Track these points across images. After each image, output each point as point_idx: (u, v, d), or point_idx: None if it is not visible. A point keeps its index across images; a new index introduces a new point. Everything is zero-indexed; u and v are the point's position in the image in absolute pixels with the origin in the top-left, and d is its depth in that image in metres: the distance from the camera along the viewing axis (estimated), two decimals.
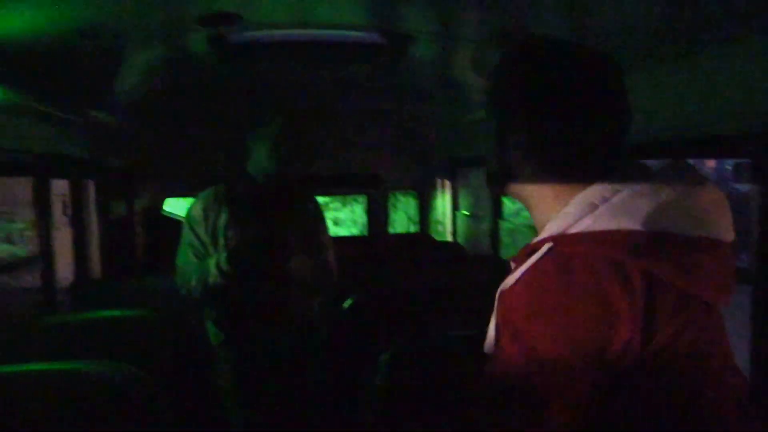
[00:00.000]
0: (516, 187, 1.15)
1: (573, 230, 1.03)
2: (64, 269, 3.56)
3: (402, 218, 11.77)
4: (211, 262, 2.32)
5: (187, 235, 2.45)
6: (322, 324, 2.55)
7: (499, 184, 1.17)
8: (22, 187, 7.83)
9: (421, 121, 4.76)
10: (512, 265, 1.14)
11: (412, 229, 8.26)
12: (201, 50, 2.53)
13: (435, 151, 5.15)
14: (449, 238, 5.18)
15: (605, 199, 1.02)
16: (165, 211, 5.16)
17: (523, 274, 1.04)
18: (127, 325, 2.21)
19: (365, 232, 5.83)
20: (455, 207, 5.11)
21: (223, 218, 2.41)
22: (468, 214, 5.03)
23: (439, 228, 5.42)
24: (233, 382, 2.44)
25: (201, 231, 2.42)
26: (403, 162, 5.26)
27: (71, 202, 3.64)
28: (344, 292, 2.56)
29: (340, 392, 2.32)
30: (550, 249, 1.03)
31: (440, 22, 2.37)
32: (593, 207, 1.02)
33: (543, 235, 1.08)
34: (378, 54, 2.77)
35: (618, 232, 0.99)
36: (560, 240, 1.03)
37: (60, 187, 3.68)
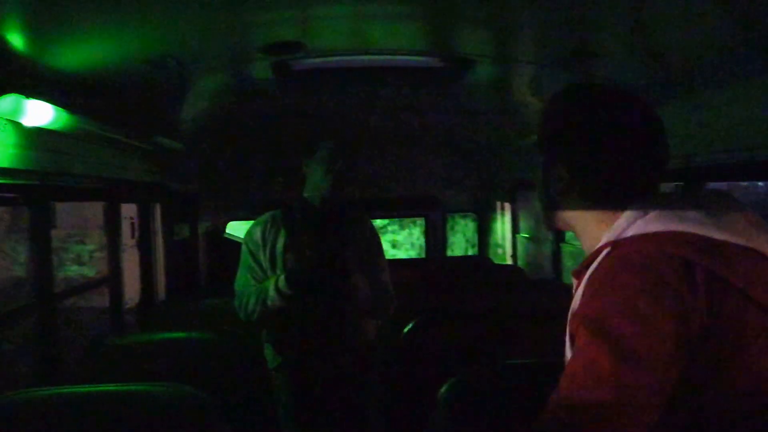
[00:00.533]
0: (563, 216, 1.24)
1: (627, 234, 1.08)
2: (131, 290, 3.67)
3: (460, 241, 11.70)
4: (270, 285, 2.34)
5: (245, 258, 2.49)
6: (380, 347, 2.54)
7: (546, 215, 1.28)
8: (92, 211, 8.17)
9: (481, 144, 4.74)
10: (574, 281, 1.19)
11: (471, 252, 8.18)
12: (263, 77, 2.59)
13: (494, 173, 5.11)
14: (509, 261, 5.10)
15: (653, 208, 1.08)
16: (227, 234, 5.27)
17: (589, 280, 1.08)
18: (190, 347, 2.24)
19: (423, 255, 5.81)
20: (515, 230, 5.05)
21: (281, 242, 2.44)
22: (528, 236, 4.96)
23: (499, 251, 5.35)
24: (290, 407, 2.45)
25: (260, 254, 2.46)
26: (461, 184, 5.23)
27: (139, 226, 3.76)
28: (405, 316, 2.54)
29: (399, 419, 2.30)
30: (608, 254, 1.08)
31: (499, 44, 2.36)
32: (642, 214, 1.08)
33: (598, 246, 1.13)
34: (437, 78, 2.77)
35: (672, 232, 1.03)
36: (616, 244, 1.08)
37: (128, 210, 3.81)
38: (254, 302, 2.37)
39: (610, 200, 1.14)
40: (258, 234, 2.48)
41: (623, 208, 1.11)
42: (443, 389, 1.58)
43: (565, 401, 1.01)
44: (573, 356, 1.05)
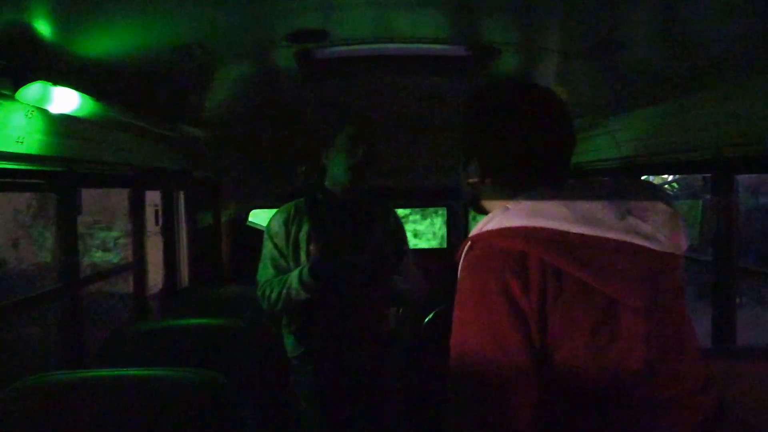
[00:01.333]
0: (483, 205, 1.36)
1: (485, 228, 1.19)
2: (154, 277, 3.71)
3: None
4: (293, 276, 2.33)
5: (267, 248, 2.48)
6: (404, 337, 2.53)
7: (470, 203, 1.41)
8: (117, 198, 8.26)
9: None
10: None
11: None
12: (288, 66, 2.58)
13: None
14: None
15: (517, 204, 1.18)
16: (250, 222, 5.30)
17: (459, 271, 1.21)
18: (213, 333, 2.26)
19: (444, 245, 5.79)
20: None
21: (303, 232, 2.43)
22: None
23: None
24: (310, 396, 2.45)
25: (281, 244, 2.45)
26: None
27: (162, 213, 3.80)
28: (426, 306, 2.54)
29: (419, 407, 2.30)
30: (470, 246, 1.21)
31: (524, 32, 2.33)
32: (504, 210, 1.19)
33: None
34: (461, 66, 2.75)
35: (516, 227, 1.14)
36: (475, 239, 1.21)
37: (152, 198, 3.84)
38: (277, 293, 2.36)
39: (513, 190, 1.24)
40: (280, 224, 2.47)
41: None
42: None
43: (452, 373, 1.18)
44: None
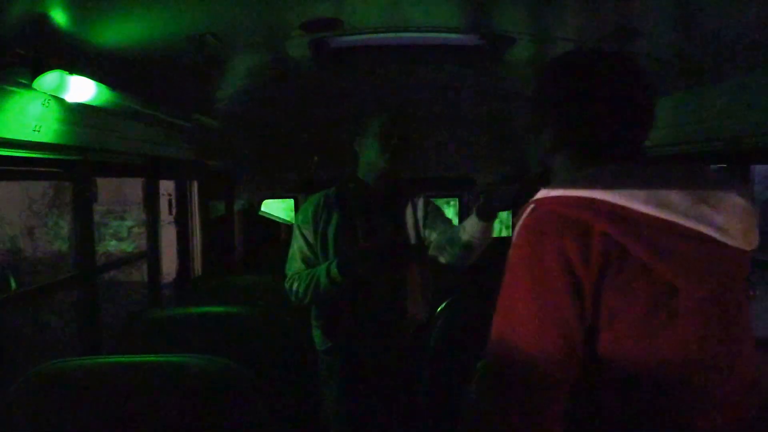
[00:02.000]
0: (552, 174, 1.32)
1: (551, 194, 1.15)
2: (168, 266, 3.73)
3: (494, 222, 11.60)
4: (321, 271, 2.28)
5: (296, 240, 2.42)
6: (434, 332, 2.47)
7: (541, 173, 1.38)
8: (131, 188, 8.32)
9: (516, 124, 4.68)
10: None
11: (504, 233, 8.11)
12: (301, 55, 2.58)
13: (530, 154, 5.05)
14: None
15: (586, 175, 1.14)
16: (263, 211, 5.32)
17: (515, 232, 1.18)
18: (226, 321, 2.28)
19: None
20: None
21: (333, 224, 2.37)
22: None
23: None
24: (338, 390, 2.41)
25: (310, 237, 2.39)
26: (496, 165, 5.18)
27: (176, 202, 3.82)
28: (438, 295, 2.53)
29: (433, 396, 2.30)
30: (531, 209, 1.17)
31: (539, 21, 2.31)
32: (573, 179, 1.15)
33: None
34: (475, 56, 2.74)
35: (584, 197, 1.10)
36: (539, 202, 1.16)
37: (165, 187, 3.87)
38: (305, 287, 2.31)
39: (584, 162, 1.21)
40: (309, 214, 2.40)
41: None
42: (479, 367, 1.59)
43: (494, 336, 1.14)
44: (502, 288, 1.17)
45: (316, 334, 2.46)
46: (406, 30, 2.36)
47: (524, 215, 1.17)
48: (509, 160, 5.15)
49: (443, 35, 2.51)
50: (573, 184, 1.13)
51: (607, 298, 1.06)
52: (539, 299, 1.08)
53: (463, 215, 5.49)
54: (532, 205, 1.17)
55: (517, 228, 1.17)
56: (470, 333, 2.36)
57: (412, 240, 2.40)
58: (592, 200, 1.09)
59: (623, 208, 1.07)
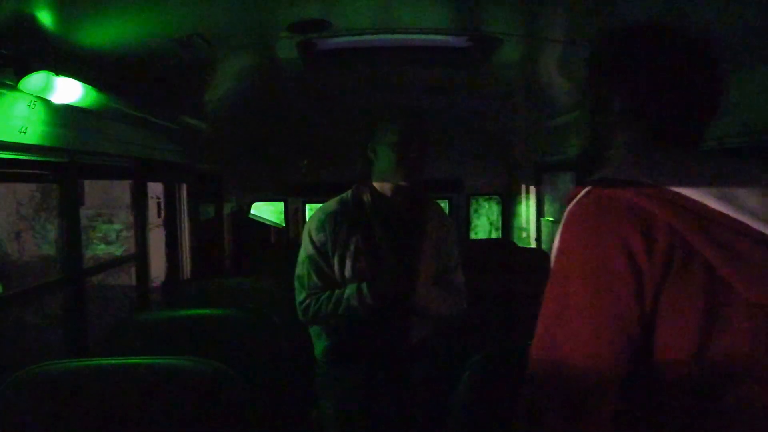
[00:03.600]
0: (605, 159, 1.19)
1: (610, 176, 1.06)
2: (157, 269, 3.72)
3: (484, 224, 11.65)
4: (352, 294, 2.13)
5: (308, 252, 2.22)
6: (435, 344, 2.41)
7: (591, 156, 1.22)
8: (119, 191, 8.29)
9: (506, 125, 4.69)
10: None
11: (495, 235, 8.13)
12: (289, 57, 2.58)
13: (519, 155, 5.07)
14: (533, 244, 5.07)
15: (649, 160, 1.06)
16: (252, 214, 5.31)
17: (565, 216, 1.08)
18: (215, 323, 2.27)
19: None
20: (540, 213, 5.01)
21: (353, 239, 2.17)
22: (553, 220, 4.92)
23: (523, 234, 5.32)
24: (335, 397, 2.32)
25: (327, 247, 2.19)
26: (486, 167, 5.20)
27: (165, 205, 3.80)
28: None
29: (424, 395, 2.30)
30: (588, 192, 1.07)
31: (526, 22, 2.32)
32: (634, 163, 1.07)
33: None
34: (463, 57, 2.75)
35: (649, 185, 1.01)
36: (597, 183, 1.07)
37: (153, 190, 3.85)
38: (331, 310, 2.15)
39: (644, 146, 1.12)
40: (324, 227, 2.19)
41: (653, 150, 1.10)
42: (467, 368, 1.59)
43: (542, 328, 1.06)
44: (548, 283, 1.07)
45: (318, 341, 2.33)
46: (394, 32, 2.36)
47: (578, 198, 1.08)
48: (497, 161, 5.17)
49: (431, 37, 2.51)
50: (637, 169, 1.05)
51: (666, 297, 0.99)
52: (597, 292, 1.00)
53: (453, 217, 5.50)
54: (587, 188, 1.08)
55: (568, 212, 1.07)
56: (459, 335, 2.37)
57: (432, 262, 2.26)
58: (660, 189, 1.01)
59: (693, 202, 0.99)
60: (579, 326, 1.00)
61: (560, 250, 1.05)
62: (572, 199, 1.09)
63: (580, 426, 0.99)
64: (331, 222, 2.18)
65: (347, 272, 2.16)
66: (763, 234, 0.98)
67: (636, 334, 0.99)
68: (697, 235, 0.98)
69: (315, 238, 2.19)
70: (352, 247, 2.16)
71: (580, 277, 1.01)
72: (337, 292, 2.15)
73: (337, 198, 2.25)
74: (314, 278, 2.19)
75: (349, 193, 2.26)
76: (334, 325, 2.24)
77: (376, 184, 2.23)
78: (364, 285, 2.10)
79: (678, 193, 1.00)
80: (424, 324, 2.28)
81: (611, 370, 0.99)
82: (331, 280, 2.19)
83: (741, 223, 0.98)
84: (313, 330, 2.34)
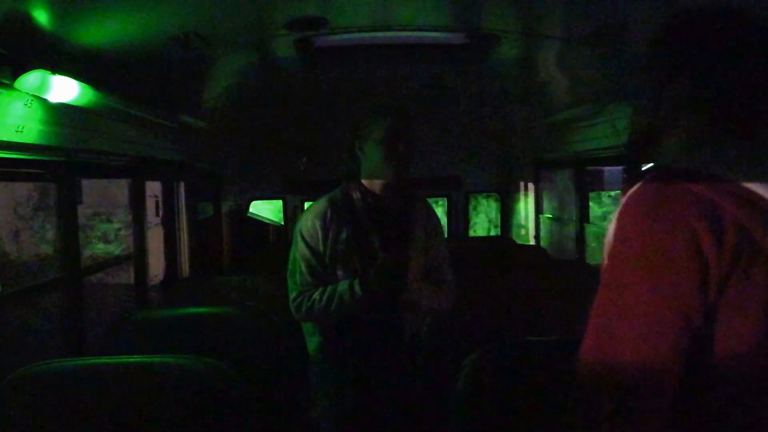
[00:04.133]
0: (658, 152, 1.14)
1: (674, 165, 1.02)
2: (155, 267, 3.72)
3: (483, 221, 11.66)
4: (344, 289, 2.15)
5: (300, 250, 2.23)
6: (429, 339, 2.41)
7: (643, 144, 1.16)
8: (118, 190, 8.28)
9: (505, 123, 4.69)
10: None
11: (493, 232, 8.13)
12: (287, 55, 2.58)
13: (518, 152, 5.07)
14: (532, 241, 5.07)
15: (721, 150, 1.02)
16: (250, 213, 5.31)
17: (624, 204, 1.03)
18: (213, 321, 2.27)
19: (445, 235, 5.79)
20: (539, 210, 5.01)
21: (343, 235, 2.19)
22: (552, 217, 4.92)
23: (522, 231, 5.32)
24: (330, 393, 2.33)
25: (318, 245, 2.20)
26: (484, 164, 5.20)
27: (163, 204, 3.80)
28: None
29: (423, 392, 2.30)
30: (651, 180, 1.03)
31: (524, 20, 2.32)
32: (703, 151, 1.03)
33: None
34: (462, 55, 2.74)
35: (714, 177, 0.97)
36: (660, 171, 1.04)
37: (152, 188, 3.84)
38: (323, 307, 2.17)
39: (702, 138, 1.07)
40: (316, 225, 2.20)
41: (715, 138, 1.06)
42: (466, 363, 1.59)
43: (598, 324, 1.01)
44: (603, 277, 1.02)
45: (312, 338, 2.35)
46: (390, 29, 2.35)
47: (639, 186, 1.03)
48: (496, 158, 5.17)
49: (429, 34, 2.51)
50: (704, 159, 1.01)
51: (729, 292, 0.95)
52: (659, 283, 0.95)
53: (452, 215, 5.50)
54: (648, 176, 1.04)
55: (629, 199, 1.03)
56: (458, 332, 2.37)
57: (422, 257, 2.29)
58: (732, 183, 0.97)
59: (761, 197, 0.96)
60: (639, 316, 0.96)
61: (620, 238, 1.00)
62: (631, 186, 1.05)
63: (638, 421, 0.96)
64: (321, 220, 2.20)
65: (339, 269, 2.18)
66: None
67: (697, 327, 0.95)
68: (764, 231, 0.94)
69: (306, 236, 2.21)
70: (343, 245, 2.18)
71: (643, 268, 0.97)
72: (329, 288, 2.17)
73: (326, 197, 2.27)
74: (306, 276, 2.21)
75: (338, 191, 2.28)
76: (327, 322, 2.26)
77: (365, 182, 2.25)
78: (355, 282, 2.12)
79: (748, 189, 0.96)
80: (417, 320, 2.30)
81: (671, 363, 0.96)
82: (323, 277, 2.21)
83: None
84: (306, 327, 2.36)
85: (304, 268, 2.22)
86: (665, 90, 1.11)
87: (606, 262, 1.02)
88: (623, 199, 1.04)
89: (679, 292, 0.94)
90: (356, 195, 2.25)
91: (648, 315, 0.95)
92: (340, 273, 2.19)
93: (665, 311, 0.95)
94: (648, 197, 1.00)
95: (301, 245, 2.23)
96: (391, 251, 2.17)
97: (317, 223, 2.20)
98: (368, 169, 2.22)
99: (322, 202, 2.25)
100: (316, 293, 2.18)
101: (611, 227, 1.04)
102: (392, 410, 2.35)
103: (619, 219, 1.02)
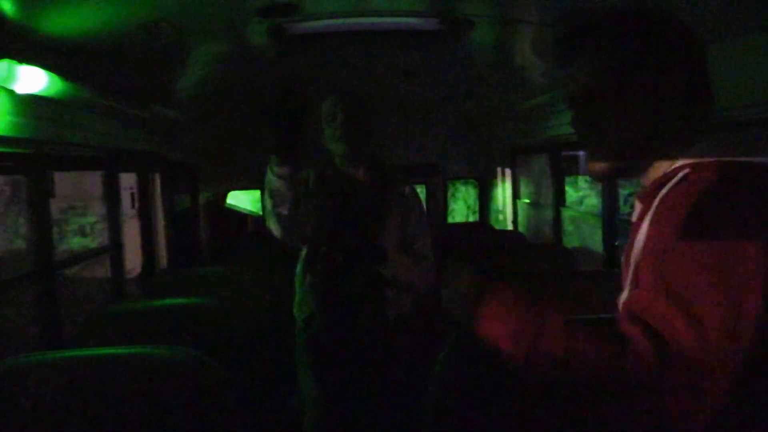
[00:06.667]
0: (642, 164, 1.13)
1: (709, 158, 0.99)
2: (132, 260, 3.68)
3: (461, 207, 11.70)
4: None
5: (275, 186, 2.15)
6: (414, 320, 2.44)
7: (640, 141, 1.12)
8: (92, 183, 8.18)
9: (481, 109, 4.70)
10: (638, 206, 1.12)
11: (472, 218, 8.17)
12: (260, 42, 2.55)
13: (495, 139, 5.08)
14: (510, 226, 5.11)
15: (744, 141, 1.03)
16: (228, 203, 5.27)
17: (661, 203, 1.00)
18: (190, 312, 2.26)
19: None
20: (516, 195, 5.04)
21: (312, 202, 2.25)
22: (529, 202, 4.95)
23: (500, 217, 5.36)
24: (313, 371, 2.38)
25: (286, 193, 2.12)
26: (462, 150, 5.21)
27: (139, 196, 3.76)
28: None
29: (403, 376, 2.32)
30: (685, 176, 1.00)
31: (498, 4, 2.32)
32: (728, 143, 1.02)
33: (671, 169, 1.05)
34: (436, 41, 2.73)
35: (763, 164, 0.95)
36: (698, 166, 1.00)
37: (127, 180, 3.80)
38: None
39: (685, 145, 1.07)
40: (284, 183, 2.12)
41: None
42: (444, 348, 1.60)
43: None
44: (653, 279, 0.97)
45: (303, 308, 2.40)
46: (363, 15, 2.34)
47: (676, 179, 1.01)
48: (472, 144, 5.18)
49: (402, 20, 2.49)
50: (736, 151, 1.00)
51: None
52: (727, 278, 0.90)
53: (430, 202, 5.51)
54: (691, 166, 1.02)
55: (681, 195, 0.99)
56: (433, 318, 2.38)
57: (397, 233, 2.35)
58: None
59: None
60: (710, 323, 0.90)
61: (677, 227, 0.95)
62: (656, 189, 1.04)
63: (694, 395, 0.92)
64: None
65: (301, 225, 2.16)
66: None
67: (763, 327, 0.91)
68: None
69: (274, 188, 2.13)
70: (309, 209, 2.19)
71: (706, 262, 0.92)
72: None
73: (304, 170, 2.35)
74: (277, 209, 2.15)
75: (310, 170, 2.40)
76: (316, 297, 2.33)
77: (337, 163, 2.39)
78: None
79: None
80: (400, 299, 2.33)
81: (734, 362, 0.91)
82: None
83: None
84: (297, 297, 2.41)
85: (274, 197, 2.14)
86: (661, 90, 1.09)
87: (657, 262, 0.97)
88: (661, 197, 1.01)
89: (749, 287, 0.90)
90: (329, 173, 2.38)
91: (716, 306, 0.90)
92: (308, 233, 2.24)
93: (734, 306, 0.90)
94: (700, 183, 0.97)
95: (266, 198, 2.18)
96: (360, 219, 2.28)
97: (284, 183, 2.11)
98: (328, 150, 2.36)
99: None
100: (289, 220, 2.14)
101: (644, 227, 1.02)
102: (376, 391, 2.38)
103: (669, 209, 0.98)
